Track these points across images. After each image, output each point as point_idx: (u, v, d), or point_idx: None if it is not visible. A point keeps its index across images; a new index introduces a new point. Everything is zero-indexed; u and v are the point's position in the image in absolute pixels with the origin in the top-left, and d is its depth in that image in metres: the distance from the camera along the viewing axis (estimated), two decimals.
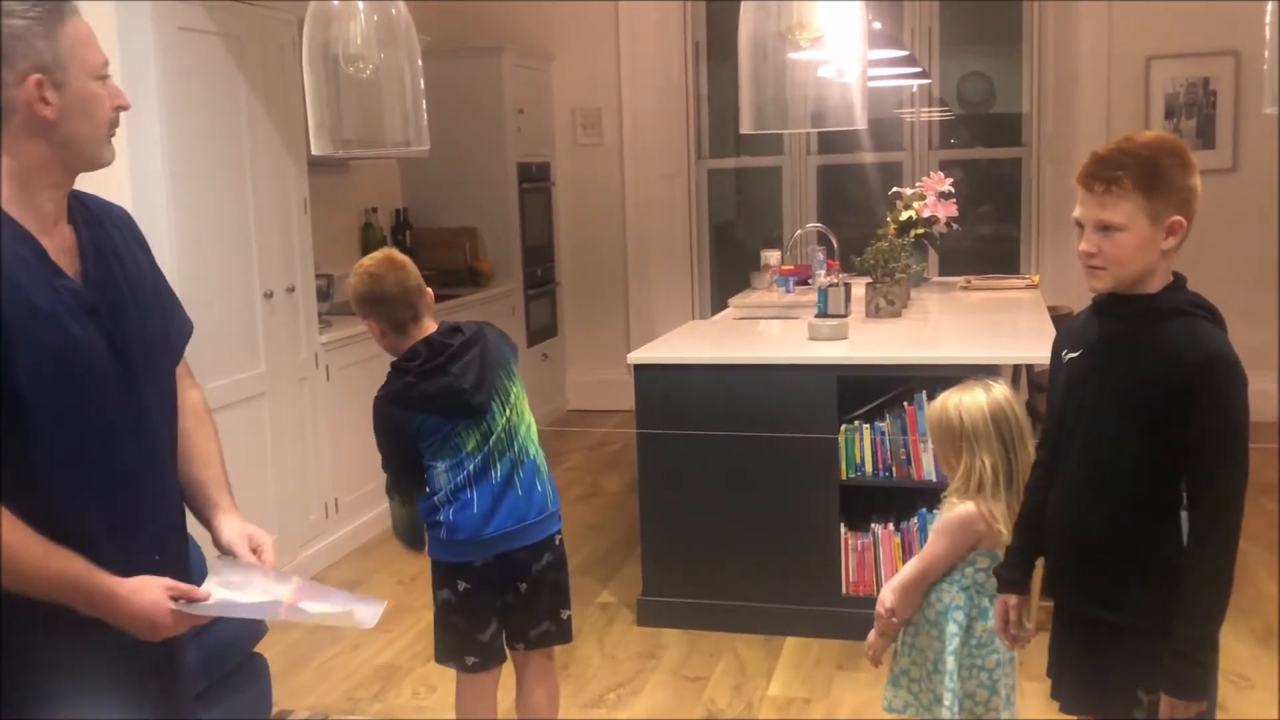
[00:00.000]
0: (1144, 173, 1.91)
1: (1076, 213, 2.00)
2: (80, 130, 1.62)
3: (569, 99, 7.19)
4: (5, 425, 1.54)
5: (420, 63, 1.93)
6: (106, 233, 1.74)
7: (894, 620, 2.54)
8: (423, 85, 1.94)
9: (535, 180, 6.94)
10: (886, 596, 2.55)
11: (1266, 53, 1.78)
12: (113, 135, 1.68)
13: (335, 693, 3.68)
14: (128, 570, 1.65)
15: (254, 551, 1.84)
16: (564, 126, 7.23)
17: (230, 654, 2.98)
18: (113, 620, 1.61)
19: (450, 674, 3.95)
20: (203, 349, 2.19)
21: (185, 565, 1.83)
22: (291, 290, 4.61)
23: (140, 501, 1.72)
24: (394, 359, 2.71)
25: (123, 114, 1.70)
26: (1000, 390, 2.51)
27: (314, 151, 1.99)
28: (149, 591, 1.63)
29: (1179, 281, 2.01)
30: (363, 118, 1.94)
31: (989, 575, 2.48)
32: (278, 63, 4.47)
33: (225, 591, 1.74)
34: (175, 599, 1.66)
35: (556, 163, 7.23)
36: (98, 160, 1.67)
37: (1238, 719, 3.28)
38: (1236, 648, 3.70)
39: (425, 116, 1.94)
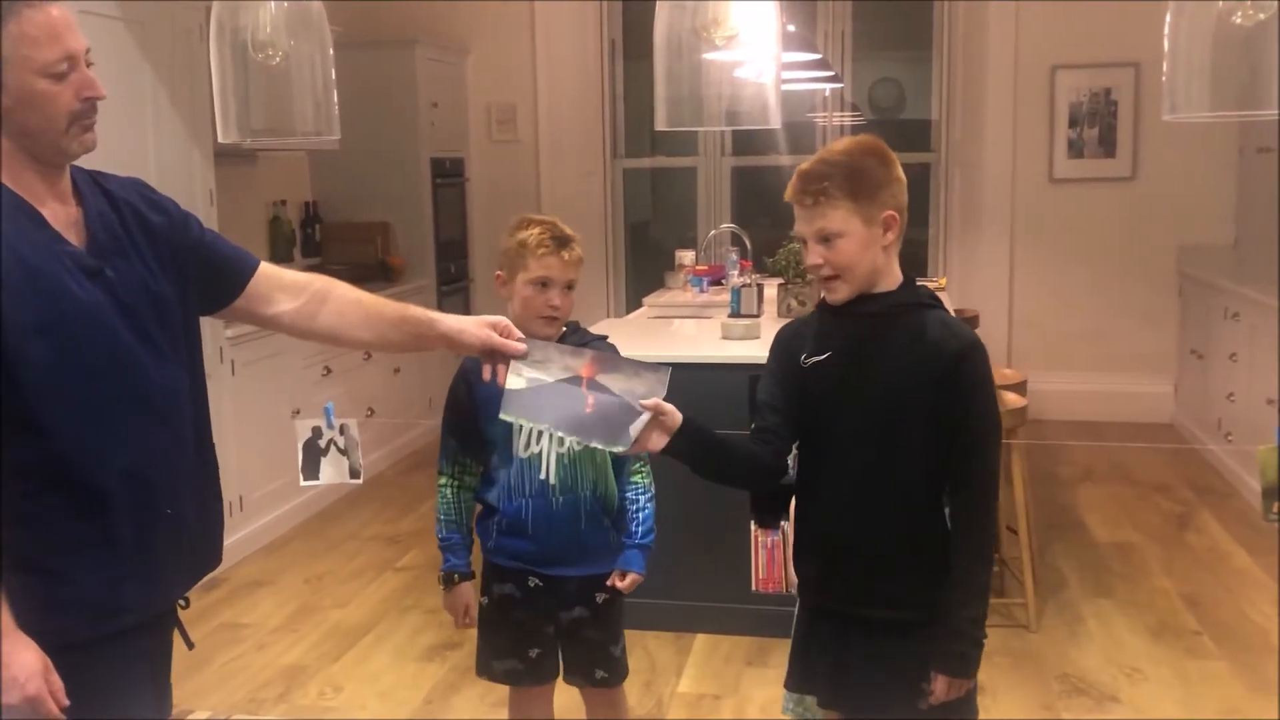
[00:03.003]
0: (847, 177, 1.98)
1: (795, 229, 2.05)
2: (30, 124, 1.66)
3: (484, 94, 7.14)
4: (5, 378, 1.61)
5: (331, 52, 1.90)
6: (116, 205, 1.80)
7: None
8: (333, 75, 1.91)
9: (449, 175, 6.87)
10: None
11: (1165, 64, 1.83)
12: (84, 126, 1.71)
13: (239, 693, 3.60)
14: (144, 522, 1.73)
15: (502, 334, 1.99)
16: (479, 122, 7.18)
17: None
18: None
19: (360, 675, 3.91)
20: None
21: (209, 524, 1.91)
22: None
23: (152, 453, 1.75)
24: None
25: None
26: None
27: (221, 139, 1.94)
28: (29, 654, 1.62)
29: (910, 277, 2.08)
30: (271, 106, 1.90)
31: None
32: (185, 50, 4.36)
33: (534, 370, 1.97)
34: None
35: (471, 158, 7.17)
36: (63, 151, 1.71)
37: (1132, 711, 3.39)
38: (1131, 641, 3.82)
39: (336, 106, 1.91)
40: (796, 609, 2.28)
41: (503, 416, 2.00)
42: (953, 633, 2.00)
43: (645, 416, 1.96)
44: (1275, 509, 2.18)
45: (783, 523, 3.91)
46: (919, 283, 2.10)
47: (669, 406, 2.00)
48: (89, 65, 1.72)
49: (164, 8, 4.24)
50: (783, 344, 2.16)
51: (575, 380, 1.98)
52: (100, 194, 1.80)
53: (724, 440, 2.14)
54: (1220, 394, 5.63)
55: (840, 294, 2.03)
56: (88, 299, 1.69)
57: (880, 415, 2.01)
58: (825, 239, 1.99)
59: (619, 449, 2.01)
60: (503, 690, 2.73)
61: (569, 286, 2.50)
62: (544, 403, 1.99)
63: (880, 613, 2.05)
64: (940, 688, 2.00)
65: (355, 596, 4.39)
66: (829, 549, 2.11)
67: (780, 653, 3.79)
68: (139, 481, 1.73)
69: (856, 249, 1.98)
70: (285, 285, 1.98)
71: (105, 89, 1.73)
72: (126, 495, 1.71)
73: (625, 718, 2.79)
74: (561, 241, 2.48)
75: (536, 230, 2.48)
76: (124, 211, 1.81)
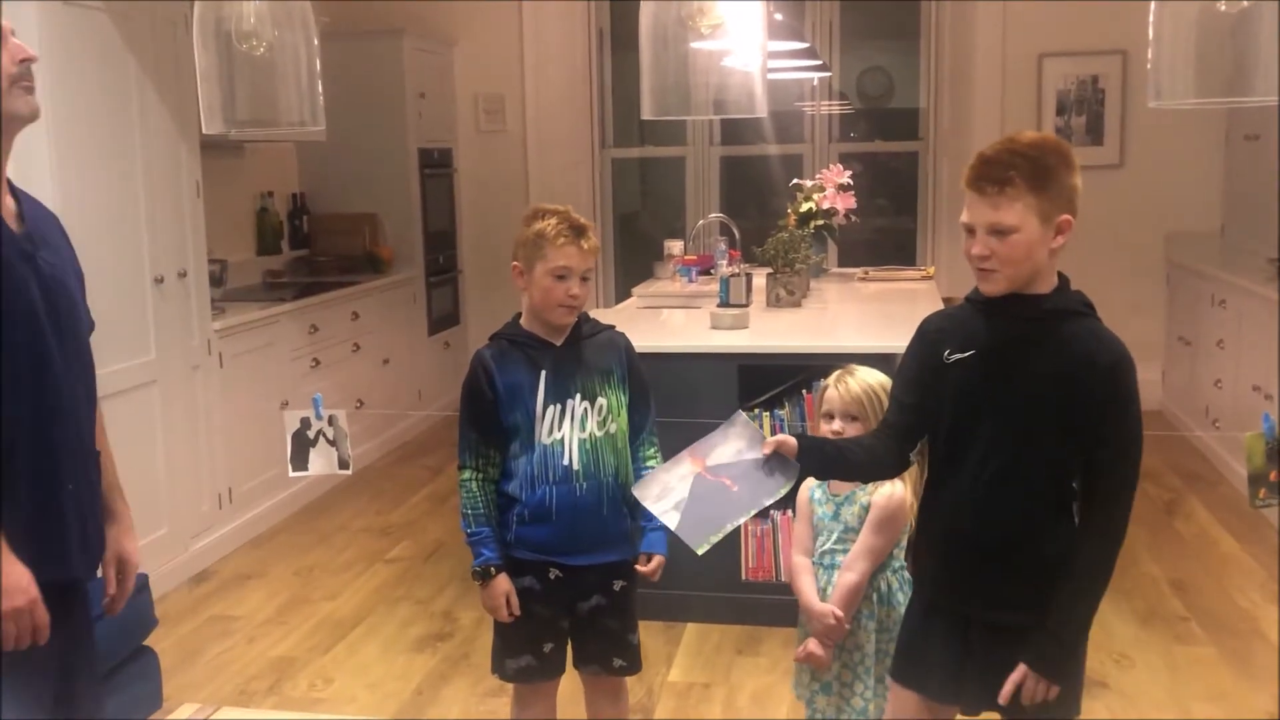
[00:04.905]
0: (1033, 172, 1.92)
1: (965, 216, 1.98)
2: None
3: (472, 84, 7.12)
4: None
5: (316, 41, 1.89)
6: (38, 211, 1.94)
7: (844, 627, 2.49)
8: (318, 64, 1.90)
9: (437, 166, 6.86)
10: (839, 604, 2.49)
11: (1150, 51, 1.83)
12: (25, 88, 1.82)
13: (229, 686, 3.60)
14: (43, 488, 1.85)
15: (120, 575, 2.07)
16: (466, 112, 7.16)
17: (118, 648, 2.90)
18: None
19: (350, 667, 3.91)
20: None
21: (99, 517, 2.01)
22: (183, 275, 4.49)
23: (55, 429, 1.87)
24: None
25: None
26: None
27: (205, 130, 1.93)
28: (20, 567, 1.77)
29: (1065, 281, 2.04)
30: (256, 97, 1.89)
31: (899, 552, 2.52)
32: (169, 40, 4.34)
33: (667, 501, 2.08)
34: None
35: (459, 149, 7.15)
36: (9, 113, 1.79)
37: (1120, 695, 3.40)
38: (1119, 627, 3.83)
39: (321, 96, 1.89)
40: (908, 602, 2.29)
41: (701, 552, 2.08)
42: (1049, 635, 1.99)
43: (770, 454, 2.06)
44: (1261, 495, 2.19)
45: (772, 511, 3.91)
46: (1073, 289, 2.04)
47: (780, 437, 2.07)
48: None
49: None
50: (925, 336, 2.13)
51: (701, 478, 2.07)
52: (22, 198, 1.91)
53: (841, 447, 2.21)
54: (1208, 381, 5.65)
55: (996, 287, 1.98)
56: (25, 280, 1.81)
57: (1019, 420, 1.98)
58: (999, 231, 1.92)
59: (783, 492, 2.07)
60: (493, 680, 2.72)
61: (585, 276, 2.51)
62: (707, 511, 2.07)
63: (1003, 615, 2.04)
64: (1029, 685, 1.99)
65: (345, 588, 4.38)
66: (954, 547, 2.09)
67: (770, 641, 3.81)
68: (41, 450, 1.84)
69: (1027, 246, 1.93)
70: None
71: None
72: (30, 459, 1.82)
73: (627, 706, 2.79)
74: (579, 231, 2.49)
75: (554, 220, 2.48)
76: (47, 218, 1.94)
